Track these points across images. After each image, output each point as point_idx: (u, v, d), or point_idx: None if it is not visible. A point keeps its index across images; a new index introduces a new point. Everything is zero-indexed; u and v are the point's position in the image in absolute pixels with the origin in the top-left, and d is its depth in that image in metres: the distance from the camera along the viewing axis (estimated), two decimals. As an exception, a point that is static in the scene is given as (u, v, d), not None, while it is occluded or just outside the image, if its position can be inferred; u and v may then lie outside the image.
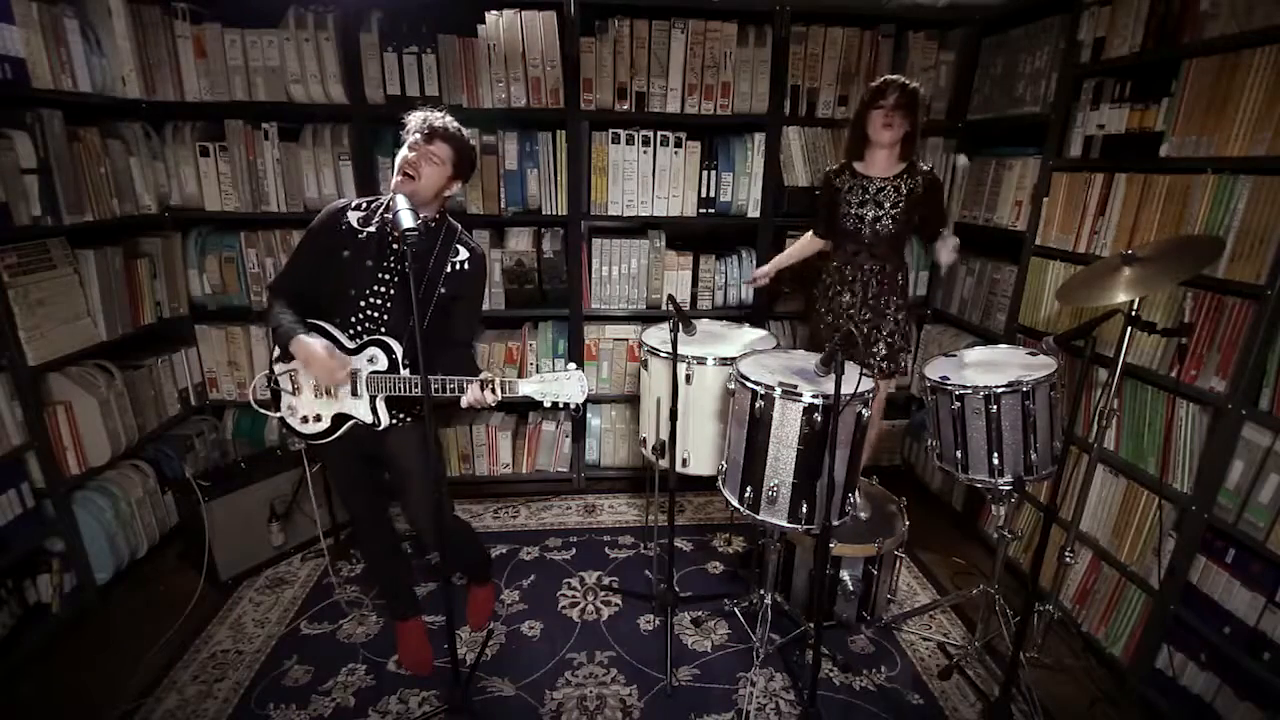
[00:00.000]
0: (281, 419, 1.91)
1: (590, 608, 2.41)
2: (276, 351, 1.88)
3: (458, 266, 1.87)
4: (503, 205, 2.86)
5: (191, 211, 2.79)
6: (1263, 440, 1.71)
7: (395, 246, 1.79)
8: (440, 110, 1.76)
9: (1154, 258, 1.73)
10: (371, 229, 1.81)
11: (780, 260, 2.59)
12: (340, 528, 2.79)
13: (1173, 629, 1.94)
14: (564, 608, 2.41)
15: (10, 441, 2.08)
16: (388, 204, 1.79)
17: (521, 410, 3.29)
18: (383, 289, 1.81)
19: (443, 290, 1.85)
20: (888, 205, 2.28)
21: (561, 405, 1.75)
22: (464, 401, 1.74)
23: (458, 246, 1.88)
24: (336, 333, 1.81)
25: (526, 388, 1.74)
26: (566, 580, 2.57)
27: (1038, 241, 2.48)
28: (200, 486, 2.38)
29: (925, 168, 2.33)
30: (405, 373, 1.78)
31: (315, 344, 1.72)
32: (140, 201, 2.64)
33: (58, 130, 2.20)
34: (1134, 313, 1.80)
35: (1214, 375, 1.83)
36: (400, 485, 1.99)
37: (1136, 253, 1.75)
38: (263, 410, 1.95)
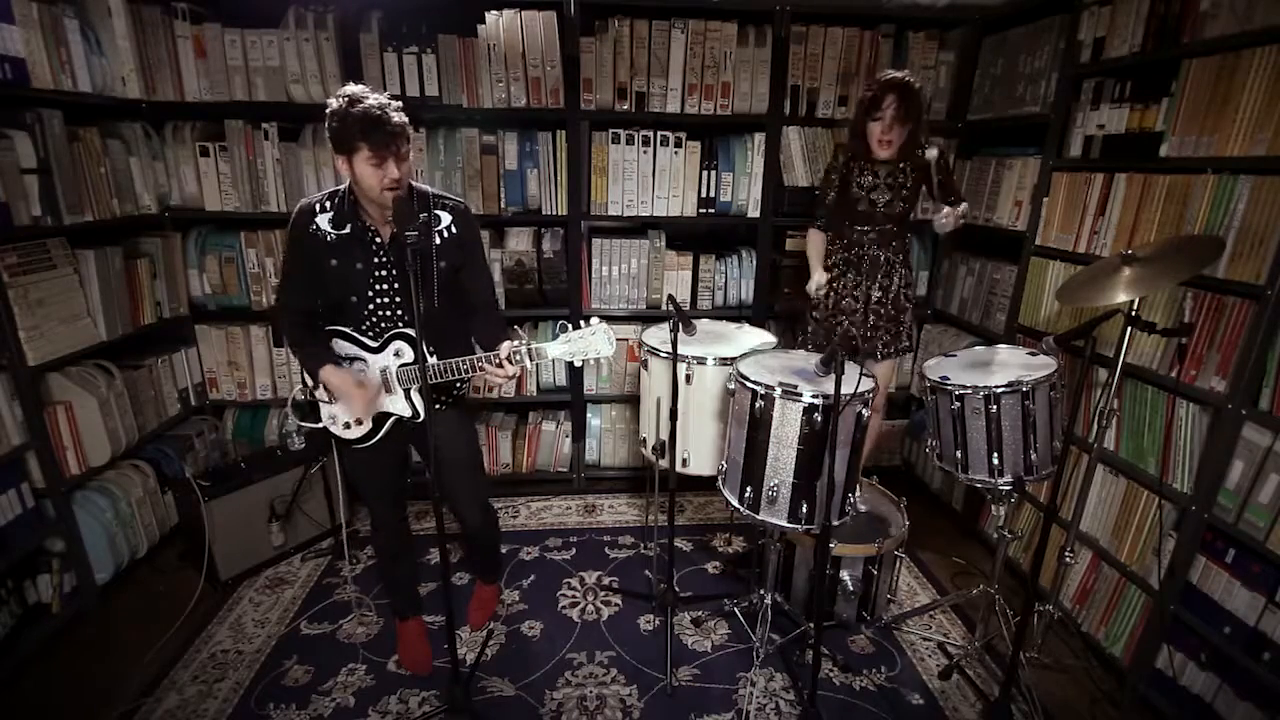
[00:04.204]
0: (325, 429, 1.90)
1: (590, 608, 2.41)
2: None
3: (446, 234, 1.79)
4: (503, 205, 2.86)
5: (191, 211, 2.79)
6: (1263, 440, 1.71)
7: (378, 241, 1.74)
8: (360, 94, 1.57)
9: (1154, 258, 1.73)
10: (346, 231, 1.72)
11: (818, 263, 2.46)
12: (339, 528, 2.80)
13: (1173, 629, 1.94)
14: (564, 608, 2.41)
15: (10, 441, 2.08)
16: (357, 205, 1.73)
17: (521, 410, 3.29)
18: (383, 286, 1.77)
19: (441, 265, 1.78)
20: (897, 187, 2.28)
21: (593, 361, 1.73)
22: (493, 379, 1.72)
23: (438, 214, 1.78)
24: (357, 335, 1.80)
25: (555, 350, 1.71)
26: (566, 580, 2.57)
27: (1038, 241, 2.48)
28: (200, 486, 2.38)
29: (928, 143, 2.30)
30: (433, 360, 1.74)
31: (339, 378, 1.76)
32: (140, 201, 2.64)
33: (58, 130, 2.20)
34: (1134, 313, 1.80)
35: (1214, 375, 1.83)
36: (444, 469, 1.93)
37: (1136, 253, 1.75)
38: (306, 425, 1.95)
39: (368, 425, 1.86)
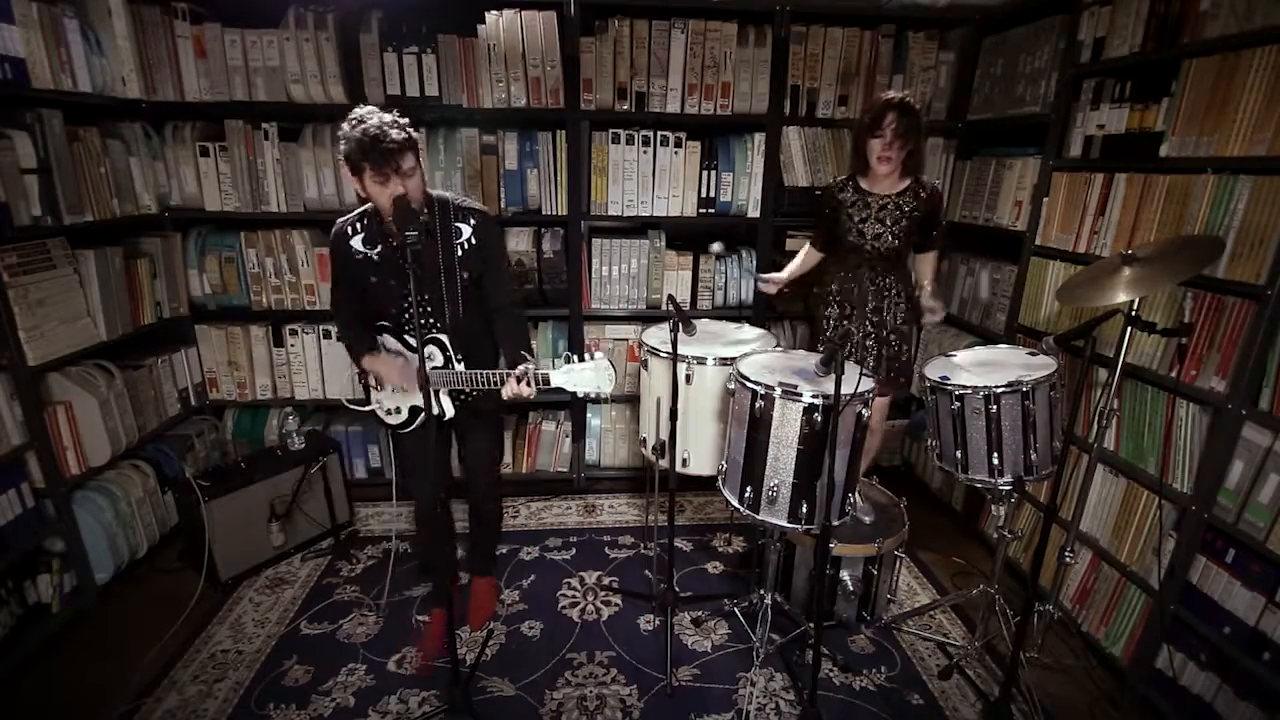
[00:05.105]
0: (373, 411, 2.10)
1: (590, 608, 2.41)
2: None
3: (467, 246, 1.89)
4: (503, 205, 2.86)
5: (191, 211, 2.79)
6: (1263, 440, 1.71)
7: (406, 259, 1.81)
8: (365, 116, 1.65)
9: (1154, 258, 1.73)
10: (378, 250, 1.85)
11: (791, 271, 2.56)
12: (340, 528, 2.80)
13: (1173, 629, 1.94)
14: (564, 608, 2.41)
15: (10, 441, 2.08)
16: (382, 223, 1.83)
17: (521, 410, 3.29)
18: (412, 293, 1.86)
19: (465, 275, 1.89)
20: (889, 222, 2.27)
21: (593, 395, 1.83)
22: (505, 394, 1.82)
23: (458, 226, 1.88)
24: (401, 335, 1.96)
25: (558, 379, 1.78)
26: (566, 580, 2.57)
27: (1038, 241, 2.48)
28: (200, 486, 2.38)
29: (928, 181, 2.31)
30: (460, 368, 1.92)
31: (374, 361, 1.94)
32: (140, 201, 2.64)
33: (58, 130, 2.20)
34: (1134, 313, 1.80)
35: (1214, 375, 1.83)
36: (466, 447, 2.20)
37: (1136, 253, 1.75)
38: (354, 407, 2.15)
39: (404, 414, 2.04)
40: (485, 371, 1.83)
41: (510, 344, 1.97)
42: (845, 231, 2.33)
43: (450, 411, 1.98)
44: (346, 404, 2.18)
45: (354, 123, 1.65)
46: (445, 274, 1.87)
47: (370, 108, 1.68)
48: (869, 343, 2.37)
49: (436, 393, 1.93)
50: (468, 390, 2.01)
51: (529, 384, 1.78)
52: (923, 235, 2.34)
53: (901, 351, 2.41)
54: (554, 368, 1.78)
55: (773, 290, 2.55)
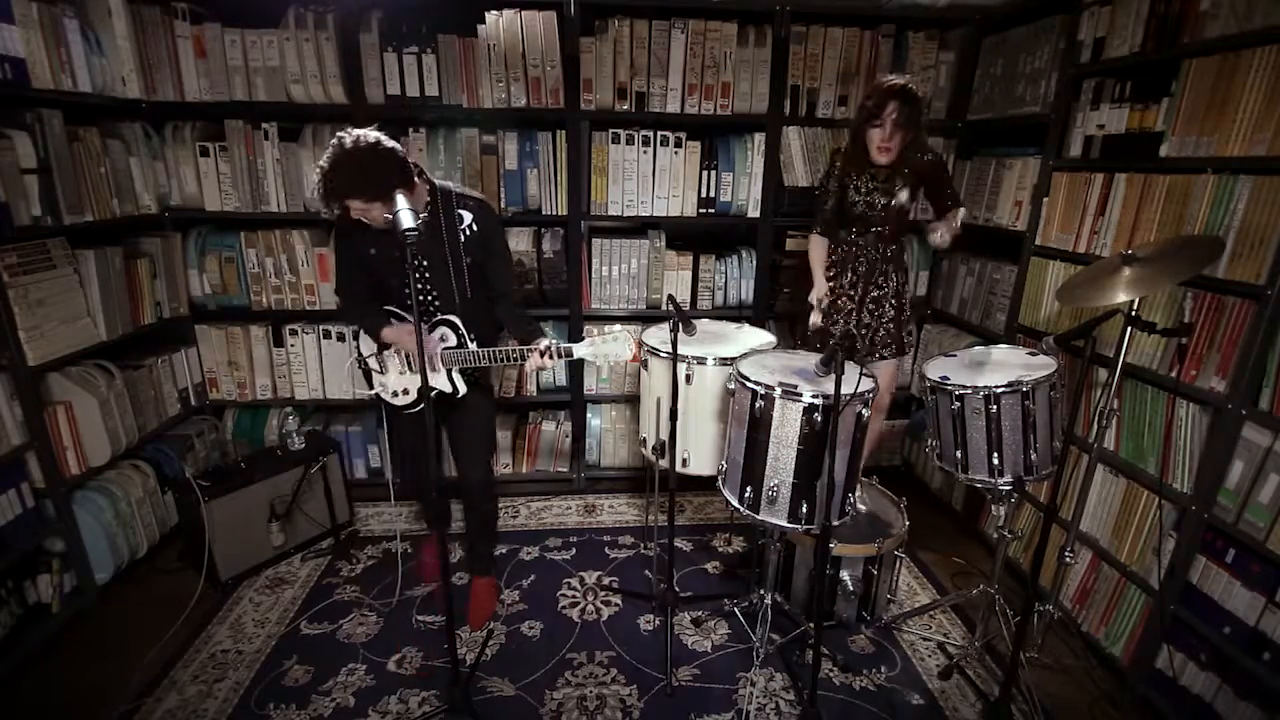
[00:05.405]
0: (378, 395, 2.18)
1: (590, 608, 2.41)
2: (365, 347, 2.14)
3: (469, 233, 1.97)
4: (503, 205, 2.86)
5: (191, 211, 2.79)
6: (1263, 440, 1.71)
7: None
8: (327, 155, 1.70)
9: (1154, 258, 1.73)
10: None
11: (820, 272, 2.46)
12: (340, 528, 2.80)
13: (1173, 629, 1.94)
14: (564, 608, 2.41)
15: (10, 441, 2.08)
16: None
17: (521, 410, 3.29)
18: (418, 275, 1.93)
19: (468, 260, 1.99)
20: (894, 191, 2.28)
21: (612, 364, 1.97)
22: (528, 368, 1.96)
23: (460, 213, 1.96)
24: (407, 316, 2.04)
25: (581, 350, 1.93)
26: (566, 580, 2.57)
27: (1038, 241, 2.48)
28: (200, 486, 2.38)
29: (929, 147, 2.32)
30: (473, 347, 2.00)
31: (394, 331, 2.02)
32: (140, 201, 2.64)
33: (58, 130, 2.20)
34: (1134, 313, 1.80)
35: (1214, 375, 1.83)
36: (459, 438, 2.24)
37: (1136, 253, 1.75)
38: (361, 394, 2.23)
39: (413, 395, 2.10)
40: (507, 349, 1.92)
41: (517, 327, 2.08)
42: (851, 205, 2.34)
43: (464, 389, 2.07)
44: (356, 396, 2.24)
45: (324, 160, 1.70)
46: (452, 259, 1.94)
47: (345, 140, 1.69)
48: (870, 305, 2.38)
49: (448, 372, 2.02)
50: (480, 368, 2.09)
51: (553, 356, 1.89)
52: (936, 199, 2.36)
53: (902, 315, 2.43)
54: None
55: (825, 306, 2.40)
